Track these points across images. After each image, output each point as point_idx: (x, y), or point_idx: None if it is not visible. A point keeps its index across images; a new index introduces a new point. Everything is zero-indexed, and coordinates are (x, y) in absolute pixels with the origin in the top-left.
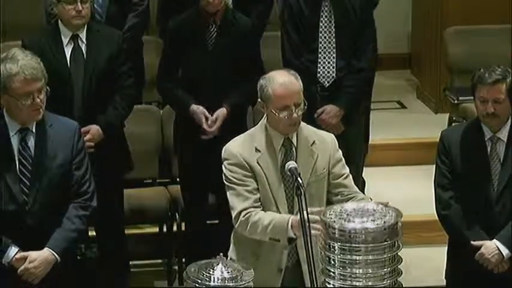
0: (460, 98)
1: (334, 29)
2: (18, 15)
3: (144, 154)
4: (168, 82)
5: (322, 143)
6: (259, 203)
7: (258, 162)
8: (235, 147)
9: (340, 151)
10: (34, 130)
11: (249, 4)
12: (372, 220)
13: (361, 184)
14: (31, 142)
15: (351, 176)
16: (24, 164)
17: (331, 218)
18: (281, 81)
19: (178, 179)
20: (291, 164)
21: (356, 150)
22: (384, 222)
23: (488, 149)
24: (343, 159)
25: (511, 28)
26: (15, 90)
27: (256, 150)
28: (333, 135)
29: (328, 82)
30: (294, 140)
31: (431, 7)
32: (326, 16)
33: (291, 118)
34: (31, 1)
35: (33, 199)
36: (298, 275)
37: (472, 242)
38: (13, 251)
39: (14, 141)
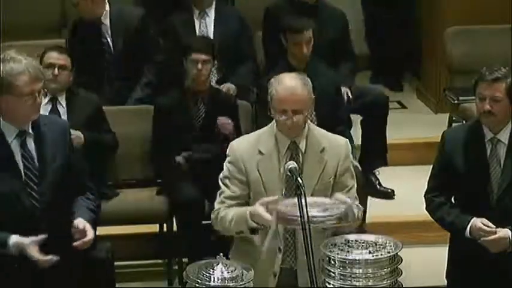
0: (460, 98)
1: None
2: (18, 15)
3: (143, 154)
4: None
5: (333, 150)
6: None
7: (257, 166)
8: (239, 146)
9: (350, 159)
10: (31, 131)
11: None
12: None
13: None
14: (30, 144)
15: (354, 189)
16: (28, 167)
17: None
18: (287, 84)
19: None
20: (290, 164)
21: None
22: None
23: (488, 151)
24: (352, 168)
25: (511, 28)
26: (20, 88)
27: (259, 152)
28: (346, 140)
29: None
30: (303, 145)
31: (432, 7)
32: None
33: (287, 123)
34: (31, 1)
35: (43, 202)
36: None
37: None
38: (13, 237)
39: (15, 147)
